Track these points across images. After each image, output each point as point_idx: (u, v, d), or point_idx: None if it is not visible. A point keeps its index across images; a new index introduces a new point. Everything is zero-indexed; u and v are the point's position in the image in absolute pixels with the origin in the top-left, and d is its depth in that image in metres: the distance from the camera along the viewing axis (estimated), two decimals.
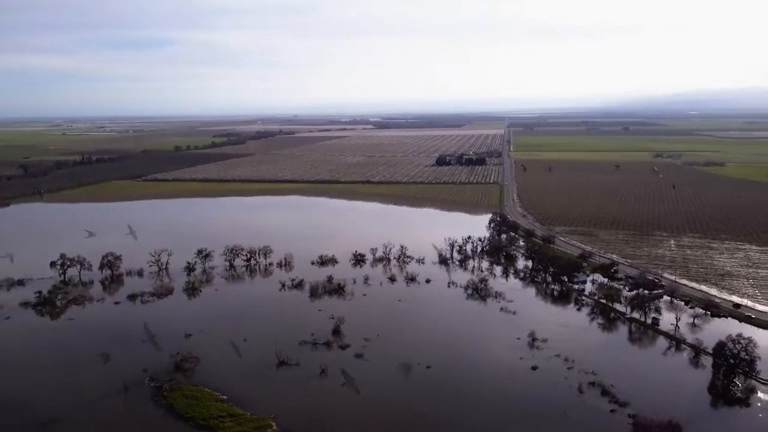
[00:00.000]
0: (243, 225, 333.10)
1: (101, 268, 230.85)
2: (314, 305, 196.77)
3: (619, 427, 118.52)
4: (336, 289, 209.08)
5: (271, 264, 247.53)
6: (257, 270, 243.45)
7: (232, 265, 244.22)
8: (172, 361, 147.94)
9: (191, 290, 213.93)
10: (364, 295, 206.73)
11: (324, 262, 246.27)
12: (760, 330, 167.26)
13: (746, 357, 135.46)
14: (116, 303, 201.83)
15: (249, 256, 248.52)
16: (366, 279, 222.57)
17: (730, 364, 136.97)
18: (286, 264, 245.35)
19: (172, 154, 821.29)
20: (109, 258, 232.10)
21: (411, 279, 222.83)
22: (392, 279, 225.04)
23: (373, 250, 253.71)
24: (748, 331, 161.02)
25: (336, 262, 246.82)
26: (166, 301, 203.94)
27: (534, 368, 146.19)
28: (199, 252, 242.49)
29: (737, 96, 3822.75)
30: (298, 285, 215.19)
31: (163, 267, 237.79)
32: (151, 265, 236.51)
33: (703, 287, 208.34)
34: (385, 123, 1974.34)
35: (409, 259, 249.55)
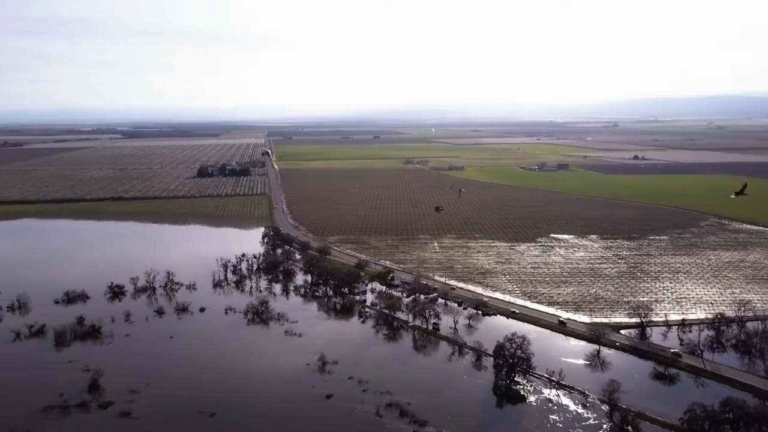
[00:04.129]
0: None
1: None
2: (62, 356, 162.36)
3: None
4: (90, 332, 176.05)
5: None
6: None
7: None
8: None
9: None
10: (127, 335, 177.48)
11: (71, 299, 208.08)
12: (522, 323, 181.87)
13: (522, 355, 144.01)
14: None
15: None
16: (127, 315, 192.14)
17: (510, 364, 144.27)
18: (19, 306, 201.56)
19: None
20: None
21: (182, 309, 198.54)
22: (160, 312, 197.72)
23: (134, 280, 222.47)
24: (515, 326, 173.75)
25: (87, 297, 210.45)
26: None
27: (329, 396, 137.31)
28: None
29: (455, 107, 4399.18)
30: (39, 332, 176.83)
31: None
32: None
33: (470, 286, 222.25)
34: (136, 132, 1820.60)
35: (177, 286, 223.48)
